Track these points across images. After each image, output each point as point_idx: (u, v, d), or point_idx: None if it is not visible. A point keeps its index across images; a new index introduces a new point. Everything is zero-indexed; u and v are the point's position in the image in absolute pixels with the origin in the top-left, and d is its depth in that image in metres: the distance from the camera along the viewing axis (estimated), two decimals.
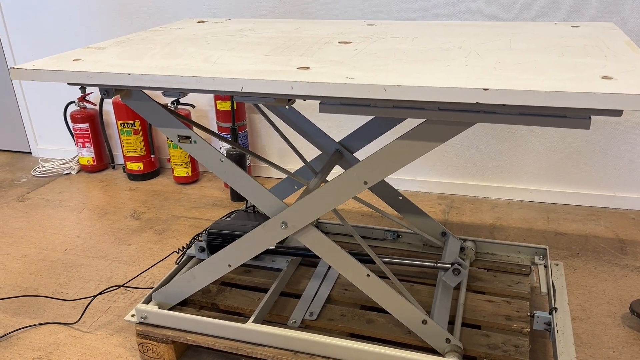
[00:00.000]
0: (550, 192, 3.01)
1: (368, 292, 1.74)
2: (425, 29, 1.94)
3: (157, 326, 1.95)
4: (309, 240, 1.74)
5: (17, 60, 3.71)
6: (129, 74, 1.48)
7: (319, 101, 1.45)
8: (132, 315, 1.99)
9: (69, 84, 1.57)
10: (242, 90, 1.40)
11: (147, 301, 2.00)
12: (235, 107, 3.14)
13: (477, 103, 1.24)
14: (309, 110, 3.20)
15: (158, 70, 1.48)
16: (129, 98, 1.68)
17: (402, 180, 3.23)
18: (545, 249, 2.21)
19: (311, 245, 1.75)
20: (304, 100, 1.50)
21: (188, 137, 1.70)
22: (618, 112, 1.21)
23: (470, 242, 2.28)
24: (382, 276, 2.09)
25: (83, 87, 1.62)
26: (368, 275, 1.72)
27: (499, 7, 2.73)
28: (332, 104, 1.44)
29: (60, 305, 2.32)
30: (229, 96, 3.11)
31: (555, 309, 1.92)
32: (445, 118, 1.38)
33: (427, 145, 1.48)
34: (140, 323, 1.96)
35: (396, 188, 3.19)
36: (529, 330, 1.87)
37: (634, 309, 2.08)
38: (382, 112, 1.42)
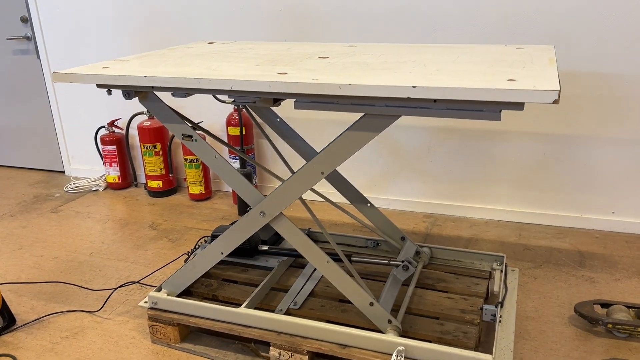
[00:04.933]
0: (524, 213, 3.24)
1: (327, 275, 2.02)
2: (395, 49, 2.26)
3: (165, 311, 2.23)
4: (282, 228, 2.04)
5: (57, 91, 4.16)
6: (145, 77, 1.85)
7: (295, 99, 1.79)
8: (145, 302, 2.28)
9: (98, 85, 1.95)
10: (232, 89, 1.76)
11: (158, 290, 2.29)
12: (244, 132, 3.50)
13: (409, 98, 1.57)
14: (300, 127, 3.53)
15: (168, 75, 1.85)
16: (145, 100, 2.04)
17: (392, 200, 3.51)
18: (503, 256, 2.43)
19: (283, 232, 2.04)
20: (283, 99, 1.85)
21: (190, 136, 2.05)
22: (519, 105, 1.52)
23: (426, 248, 2.51)
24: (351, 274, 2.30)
25: (109, 91, 2.00)
26: (328, 262, 2.01)
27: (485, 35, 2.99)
28: (304, 101, 1.78)
29: (85, 296, 2.66)
30: (238, 122, 3.47)
31: (501, 304, 2.15)
32: (389, 113, 1.70)
33: (368, 135, 1.79)
34: (151, 308, 2.25)
35: (386, 207, 3.50)
36: (478, 321, 2.09)
37: (577, 310, 2.29)
38: (343, 108, 1.75)
